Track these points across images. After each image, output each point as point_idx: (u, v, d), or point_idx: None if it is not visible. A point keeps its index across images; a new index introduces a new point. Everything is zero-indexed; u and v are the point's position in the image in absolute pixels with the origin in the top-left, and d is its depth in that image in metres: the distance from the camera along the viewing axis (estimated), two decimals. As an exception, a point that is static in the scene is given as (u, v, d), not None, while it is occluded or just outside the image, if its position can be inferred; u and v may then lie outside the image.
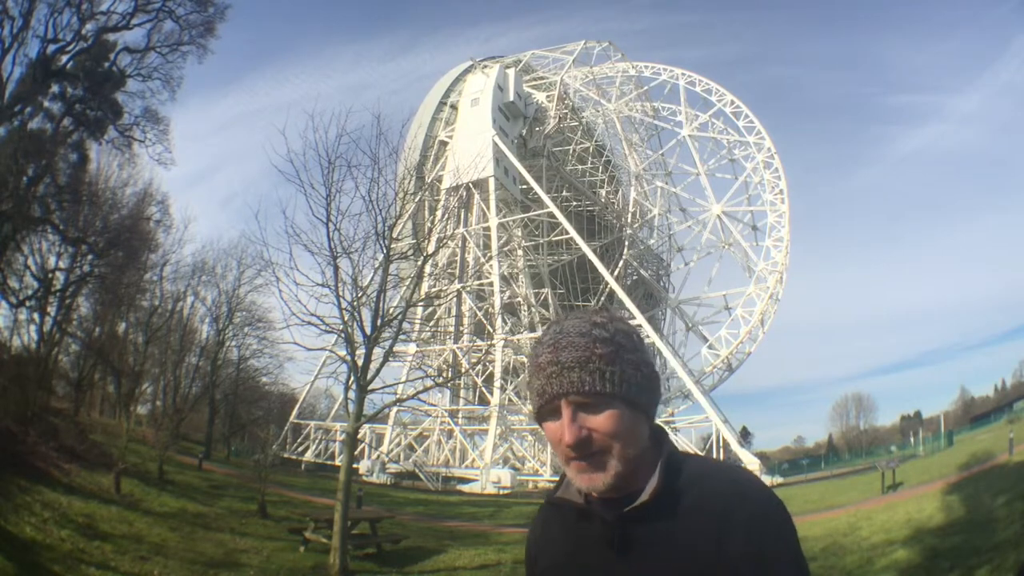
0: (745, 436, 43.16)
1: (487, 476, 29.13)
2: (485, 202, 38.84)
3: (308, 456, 35.14)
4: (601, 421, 1.03)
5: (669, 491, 1.01)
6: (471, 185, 37.52)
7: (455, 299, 33.39)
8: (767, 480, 13.05)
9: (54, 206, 21.61)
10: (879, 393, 72.31)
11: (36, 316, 21.15)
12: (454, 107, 44.44)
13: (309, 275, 11.15)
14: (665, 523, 1.00)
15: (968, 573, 7.40)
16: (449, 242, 30.26)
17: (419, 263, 13.53)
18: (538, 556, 1.18)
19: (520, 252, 39.78)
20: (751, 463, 27.64)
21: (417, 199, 19.46)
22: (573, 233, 37.08)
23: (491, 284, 35.75)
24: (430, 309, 18.86)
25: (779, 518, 0.99)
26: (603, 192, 49.09)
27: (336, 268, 11.13)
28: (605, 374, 1.04)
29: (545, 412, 1.08)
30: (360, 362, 11.03)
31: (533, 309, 38.53)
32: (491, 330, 32.86)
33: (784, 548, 0.97)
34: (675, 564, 0.97)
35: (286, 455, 32.85)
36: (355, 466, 23.39)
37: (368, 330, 11.17)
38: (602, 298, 45.15)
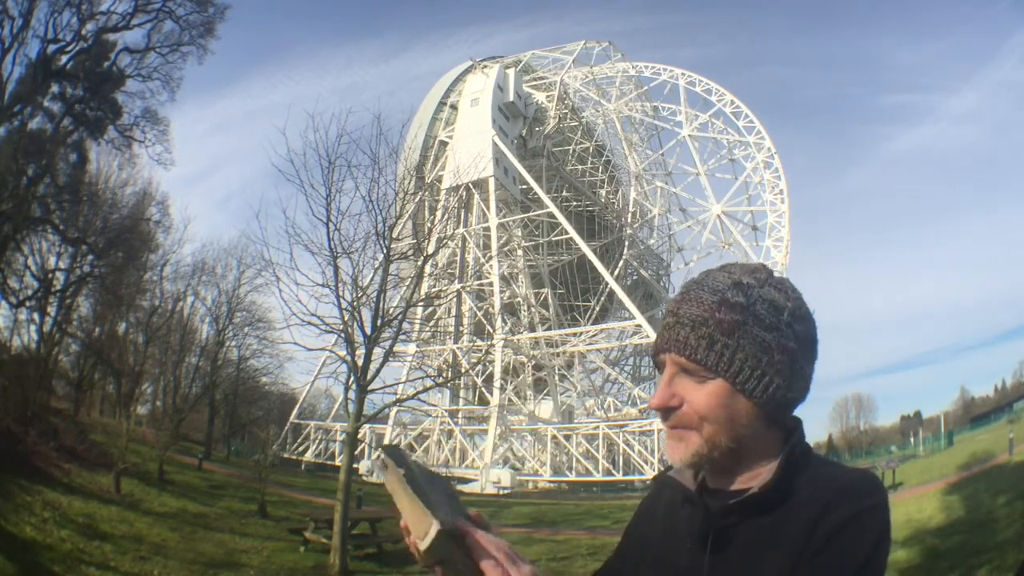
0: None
1: (487, 476, 29.10)
2: (485, 202, 38.82)
3: (308, 456, 35.09)
4: (698, 395, 0.90)
5: (780, 489, 0.88)
6: (471, 185, 37.51)
7: (455, 299, 33.38)
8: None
9: (54, 206, 21.62)
10: (879, 393, 71.89)
11: (36, 316, 21.16)
12: (454, 107, 44.40)
13: (309, 275, 11.20)
14: (766, 522, 0.88)
15: (968, 573, 7.41)
16: (449, 242, 30.26)
17: (419, 263, 13.56)
18: (635, 524, 1.10)
19: (520, 252, 39.75)
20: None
21: (417, 199, 19.43)
22: (573, 233, 37.07)
23: (491, 284, 35.73)
24: (430, 309, 18.88)
25: (864, 531, 0.83)
26: (603, 192, 49.08)
27: (336, 268, 11.18)
28: (716, 344, 0.89)
29: (656, 363, 0.97)
30: (360, 362, 11.05)
31: (533, 309, 38.52)
32: (491, 330, 32.84)
33: (848, 563, 0.82)
34: (758, 566, 0.86)
35: (286, 455, 32.80)
36: (355, 466, 23.36)
37: (368, 330, 11.18)
38: (602, 298, 45.14)
